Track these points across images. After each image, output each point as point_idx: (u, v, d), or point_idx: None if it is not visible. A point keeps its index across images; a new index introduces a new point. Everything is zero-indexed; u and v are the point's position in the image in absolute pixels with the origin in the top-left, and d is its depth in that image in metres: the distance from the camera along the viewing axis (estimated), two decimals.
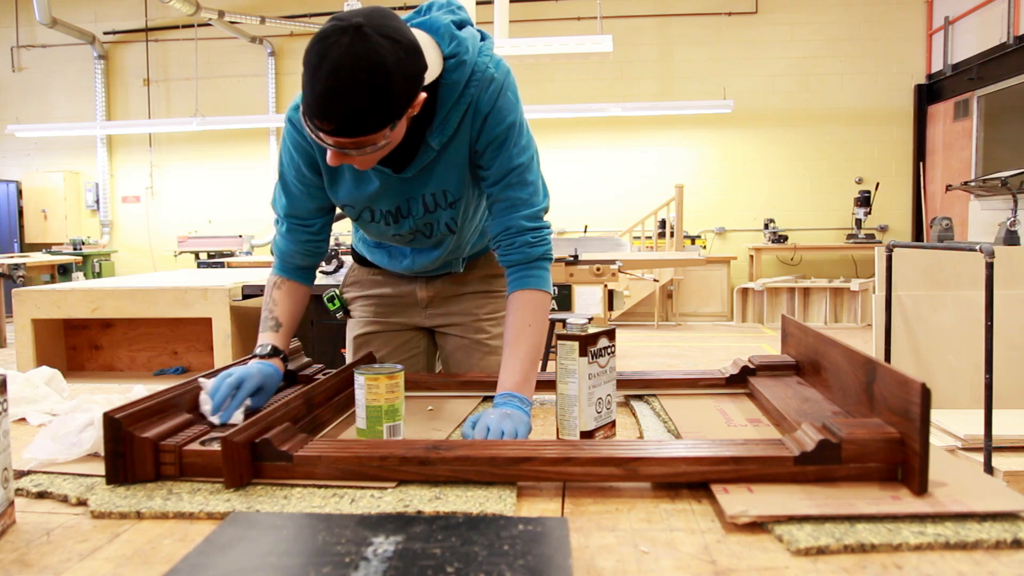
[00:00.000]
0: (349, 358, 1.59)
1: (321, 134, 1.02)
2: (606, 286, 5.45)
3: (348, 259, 3.37)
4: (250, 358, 1.23)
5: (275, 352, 1.24)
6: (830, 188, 8.23)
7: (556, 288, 5.13)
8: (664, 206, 7.42)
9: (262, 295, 2.85)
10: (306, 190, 1.29)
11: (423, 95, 1.06)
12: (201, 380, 1.12)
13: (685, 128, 8.36)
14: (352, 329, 1.59)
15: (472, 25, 1.22)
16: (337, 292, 1.59)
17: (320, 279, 3.11)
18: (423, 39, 1.11)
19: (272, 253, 1.36)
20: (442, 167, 1.24)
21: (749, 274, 8.16)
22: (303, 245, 1.34)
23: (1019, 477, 2.41)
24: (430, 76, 1.10)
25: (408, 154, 1.21)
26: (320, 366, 1.42)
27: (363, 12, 0.99)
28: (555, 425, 1.06)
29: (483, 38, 1.22)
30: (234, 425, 1.02)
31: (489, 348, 1.54)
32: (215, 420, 1.06)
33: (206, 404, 1.08)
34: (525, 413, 1.08)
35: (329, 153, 1.07)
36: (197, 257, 8.05)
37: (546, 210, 1.28)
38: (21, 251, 8.87)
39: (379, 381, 1.02)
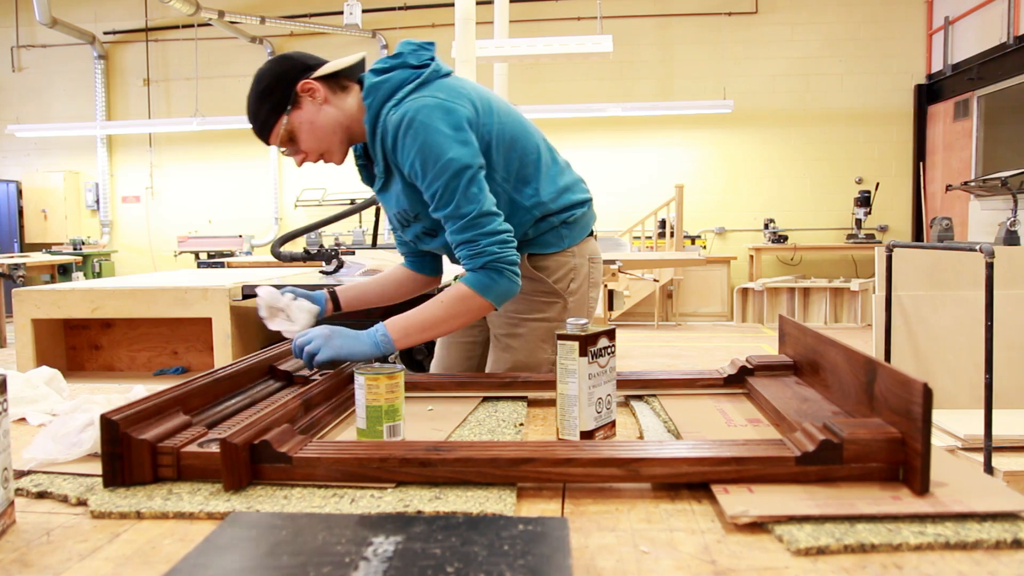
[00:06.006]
0: None
1: None
2: (606, 286, 5.45)
3: (348, 259, 3.37)
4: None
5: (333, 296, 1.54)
6: (830, 188, 8.23)
7: None
8: (664, 206, 7.42)
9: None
10: None
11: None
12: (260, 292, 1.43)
13: (685, 128, 8.36)
14: None
15: (416, 67, 1.37)
16: None
17: (320, 279, 3.11)
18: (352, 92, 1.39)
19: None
20: (394, 191, 1.44)
21: (749, 274, 8.16)
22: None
23: (1019, 477, 2.41)
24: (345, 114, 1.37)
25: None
26: None
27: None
28: (555, 425, 1.06)
29: (416, 79, 1.35)
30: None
31: (503, 345, 1.59)
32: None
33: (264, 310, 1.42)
34: (375, 345, 1.27)
35: None
36: (197, 257, 8.04)
37: (482, 214, 1.31)
38: (21, 251, 8.87)
39: (379, 381, 1.02)
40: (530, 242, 1.51)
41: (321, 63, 1.37)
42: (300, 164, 1.42)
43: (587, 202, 1.60)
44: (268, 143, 1.38)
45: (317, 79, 1.35)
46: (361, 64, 1.42)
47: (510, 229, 1.35)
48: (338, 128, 1.38)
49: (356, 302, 1.57)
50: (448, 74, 1.41)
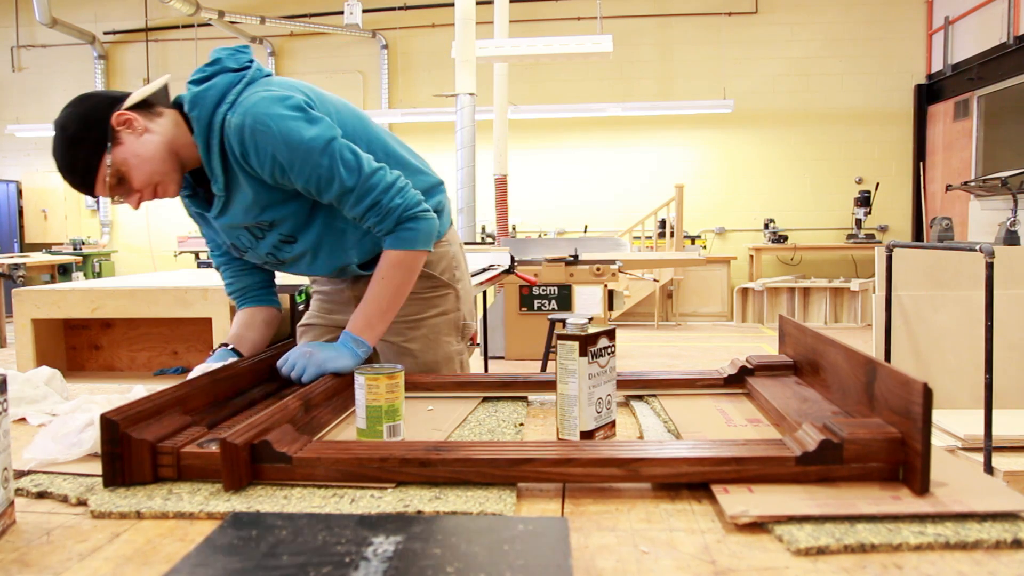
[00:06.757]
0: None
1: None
2: (606, 286, 5.46)
3: None
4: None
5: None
6: (830, 188, 8.24)
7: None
8: (664, 206, 7.43)
9: None
10: None
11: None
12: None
13: (685, 128, 8.36)
14: (301, 319, 1.71)
15: (238, 70, 1.31)
16: (307, 287, 1.76)
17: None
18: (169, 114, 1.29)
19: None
20: (240, 205, 1.33)
21: (749, 274, 8.17)
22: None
23: (1019, 477, 2.41)
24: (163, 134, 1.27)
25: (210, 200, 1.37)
26: None
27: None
28: (555, 425, 1.06)
29: (242, 80, 1.29)
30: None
31: (402, 351, 1.53)
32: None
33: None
34: (353, 353, 1.27)
35: None
36: (197, 257, 8.05)
37: (368, 176, 1.28)
38: (21, 251, 8.87)
39: (379, 381, 1.02)
40: None
41: (126, 95, 1.27)
42: (137, 206, 1.29)
43: (442, 184, 1.56)
44: (94, 194, 1.25)
45: (129, 109, 1.25)
46: (166, 89, 1.34)
47: (400, 174, 1.33)
48: (167, 154, 1.27)
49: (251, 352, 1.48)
50: (269, 74, 1.36)
